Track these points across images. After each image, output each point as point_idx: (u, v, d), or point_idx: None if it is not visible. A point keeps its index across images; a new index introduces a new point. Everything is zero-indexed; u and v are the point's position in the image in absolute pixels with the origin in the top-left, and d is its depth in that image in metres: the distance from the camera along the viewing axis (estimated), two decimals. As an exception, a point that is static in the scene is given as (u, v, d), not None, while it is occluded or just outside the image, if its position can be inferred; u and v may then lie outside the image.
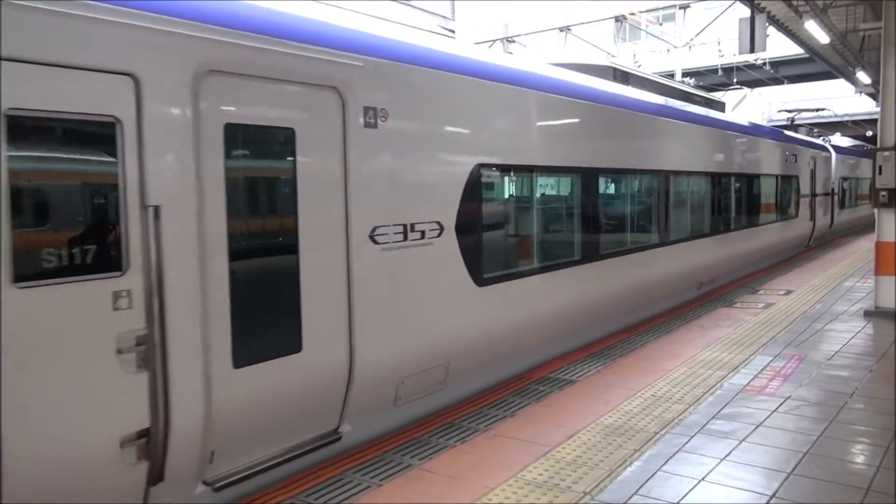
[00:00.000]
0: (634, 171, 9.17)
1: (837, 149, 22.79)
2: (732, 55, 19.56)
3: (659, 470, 4.41)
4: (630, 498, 4.05)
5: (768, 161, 14.60)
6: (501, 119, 6.41)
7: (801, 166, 17.01)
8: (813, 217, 18.41)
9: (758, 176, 13.83)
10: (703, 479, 4.30)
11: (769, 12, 11.35)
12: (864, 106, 36.69)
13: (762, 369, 6.66)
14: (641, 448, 4.82)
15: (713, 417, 5.35)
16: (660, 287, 9.79)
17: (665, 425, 5.25)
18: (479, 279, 5.97)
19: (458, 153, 5.83)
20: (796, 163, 16.41)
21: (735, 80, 20.02)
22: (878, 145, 9.03)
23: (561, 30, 25.83)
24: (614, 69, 10.01)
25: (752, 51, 9.18)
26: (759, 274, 14.39)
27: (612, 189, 9.13)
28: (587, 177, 7.86)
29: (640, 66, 25.68)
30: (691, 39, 21.70)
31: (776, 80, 24.37)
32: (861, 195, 26.55)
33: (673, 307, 10.40)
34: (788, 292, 11.38)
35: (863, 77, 16.17)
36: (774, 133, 15.84)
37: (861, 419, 5.32)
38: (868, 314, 9.12)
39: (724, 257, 12.08)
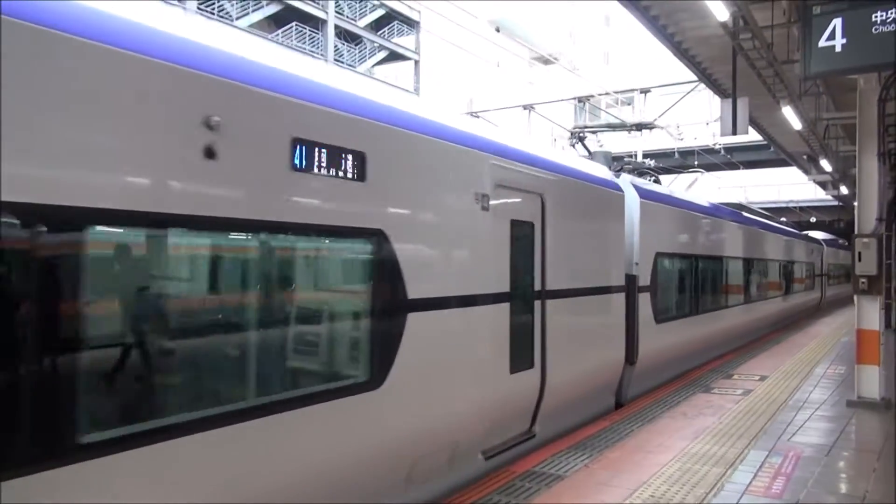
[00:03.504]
0: None
1: (647, 194, 9.85)
2: (693, 138, 20.02)
3: None
4: None
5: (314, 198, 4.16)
6: None
7: (497, 213, 5.94)
8: (543, 364, 6.74)
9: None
10: None
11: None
12: (808, 193, 38.20)
13: (761, 466, 6.20)
14: (653, 564, 4.24)
15: (723, 525, 4.83)
16: None
17: (673, 535, 4.70)
18: None
19: None
20: (477, 207, 5.65)
21: (696, 164, 20.40)
22: (856, 232, 8.96)
23: (525, 107, 26.25)
24: None
25: (734, 133, 9.22)
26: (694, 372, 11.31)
27: None
28: None
29: (601, 145, 26.21)
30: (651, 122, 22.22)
31: (732, 166, 25.03)
32: (731, 286, 13.80)
33: None
34: (763, 378, 11.09)
35: (825, 164, 16.59)
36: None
37: (881, 529, 4.87)
38: (851, 404, 8.83)
39: None
